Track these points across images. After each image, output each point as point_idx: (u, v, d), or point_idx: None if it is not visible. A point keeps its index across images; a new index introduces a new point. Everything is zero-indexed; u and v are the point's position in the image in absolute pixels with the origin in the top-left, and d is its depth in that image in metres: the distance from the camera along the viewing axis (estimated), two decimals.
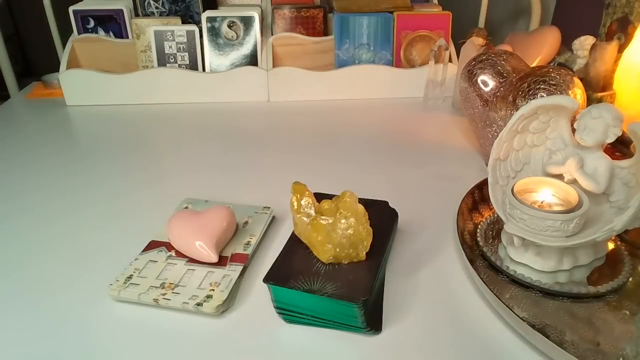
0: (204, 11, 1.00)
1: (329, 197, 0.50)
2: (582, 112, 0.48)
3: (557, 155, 0.52)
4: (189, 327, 0.46)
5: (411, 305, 0.48)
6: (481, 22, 1.29)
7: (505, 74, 0.71)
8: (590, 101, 0.72)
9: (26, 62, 2.66)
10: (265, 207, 0.62)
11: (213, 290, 0.48)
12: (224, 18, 1.00)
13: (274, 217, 0.62)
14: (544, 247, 0.48)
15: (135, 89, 1.00)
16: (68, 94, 1.00)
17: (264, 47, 1.02)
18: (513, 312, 0.43)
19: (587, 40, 0.83)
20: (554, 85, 0.63)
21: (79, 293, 0.50)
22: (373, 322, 0.46)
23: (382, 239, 0.51)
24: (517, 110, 0.51)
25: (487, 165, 0.62)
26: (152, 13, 1.04)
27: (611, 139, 0.47)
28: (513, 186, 0.49)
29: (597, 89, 0.77)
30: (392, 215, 0.57)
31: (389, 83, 1.02)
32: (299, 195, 0.49)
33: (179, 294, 0.48)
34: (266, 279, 0.46)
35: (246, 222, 0.59)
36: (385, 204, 0.58)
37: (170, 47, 1.01)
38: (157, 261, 0.52)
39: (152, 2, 1.03)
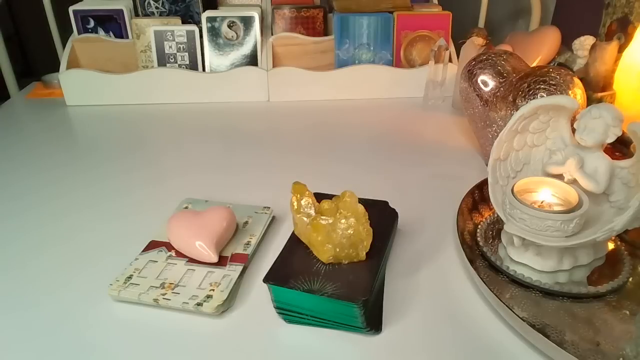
0: (204, 11, 1.00)
1: (329, 197, 0.50)
2: (582, 112, 0.48)
3: (557, 155, 0.52)
4: (189, 327, 0.46)
5: (411, 305, 0.48)
6: (481, 22, 1.29)
7: (505, 74, 0.71)
8: (590, 101, 0.72)
9: (26, 62, 2.66)
10: (265, 207, 0.62)
11: (213, 290, 0.48)
12: (224, 18, 1.00)
13: (274, 217, 0.62)
14: (544, 247, 0.48)
15: (135, 89, 1.00)
16: (68, 94, 1.00)
17: (264, 47, 1.02)
18: (513, 312, 0.43)
19: (587, 40, 0.83)
20: (554, 85, 0.63)
21: (79, 293, 0.50)
22: (373, 322, 0.46)
23: (382, 239, 0.51)
24: (517, 110, 0.51)
25: (487, 165, 0.62)
26: (152, 13, 1.04)
27: (611, 139, 0.47)
28: (513, 186, 0.49)
29: (597, 89, 0.77)
30: (392, 215, 0.57)
31: (389, 83, 1.02)
32: (299, 195, 0.49)
33: (179, 294, 0.48)
34: (266, 279, 0.46)
35: (246, 222, 0.59)
36: (385, 204, 0.58)
37: (170, 47, 1.01)
38: (157, 261, 0.52)
39: (152, 2, 1.03)
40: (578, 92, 0.63)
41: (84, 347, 0.44)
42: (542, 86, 0.63)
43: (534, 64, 0.89)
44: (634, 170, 0.47)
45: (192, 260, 0.52)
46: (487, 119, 0.72)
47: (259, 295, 0.50)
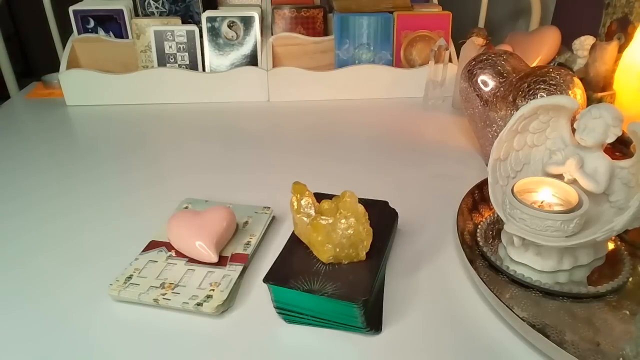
0: (204, 11, 1.00)
1: (329, 197, 0.50)
2: (582, 112, 0.48)
3: (557, 155, 0.52)
4: (189, 327, 0.46)
5: (411, 305, 0.48)
6: (481, 22, 1.29)
7: (505, 74, 0.71)
8: (590, 101, 0.72)
9: (26, 62, 2.66)
10: (265, 207, 0.62)
11: (213, 290, 0.48)
12: (224, 18, 1.00)
13: (274, 217, 0.62)
14: (544, 247, 0.48)
15: (135, 89, 1.00)
16: (68, 94, 1.00)
17: (264, 47, 1.02)
18: (513, 312, 0.43)
19: (587, 40, 0.83)
20: (554, 85, 0.63)
21: (79, 293, 0.50)
22: (373, 322, 0.46)
23: (382, 239, 0.51)
24: (517, 110, 0.51)
25: (487, 165, 0.62)
26: (152, 13, 1.04)
27: (611, 139, 0.47)
28: (513, 186, 0.49)
29: (597, 89, 0.77)
30: (392, 215, 0.57)
31: (389, 83, 1.02)
32: (299, 195, 0.49)
33: (179, 294, 0.48)
34: (266, 279, 0.46)
35: (246, 222, 0.59)
36: (385, 204, 0.58)
37: (170, 47, 1.01)
38: (157, 261, 0.52)
39: (152, 2, 1.03)
40: (578, 92, 0.63)
41: (84, 347, 0.44)
42: (542, 86, 0.63)
43: (534, 64, 0.89)
44: (634, 170, 0.47)
45: (192, 260, 0.52)
46: (487, 119, 0.72)
47: (259, 295, 0.50)
